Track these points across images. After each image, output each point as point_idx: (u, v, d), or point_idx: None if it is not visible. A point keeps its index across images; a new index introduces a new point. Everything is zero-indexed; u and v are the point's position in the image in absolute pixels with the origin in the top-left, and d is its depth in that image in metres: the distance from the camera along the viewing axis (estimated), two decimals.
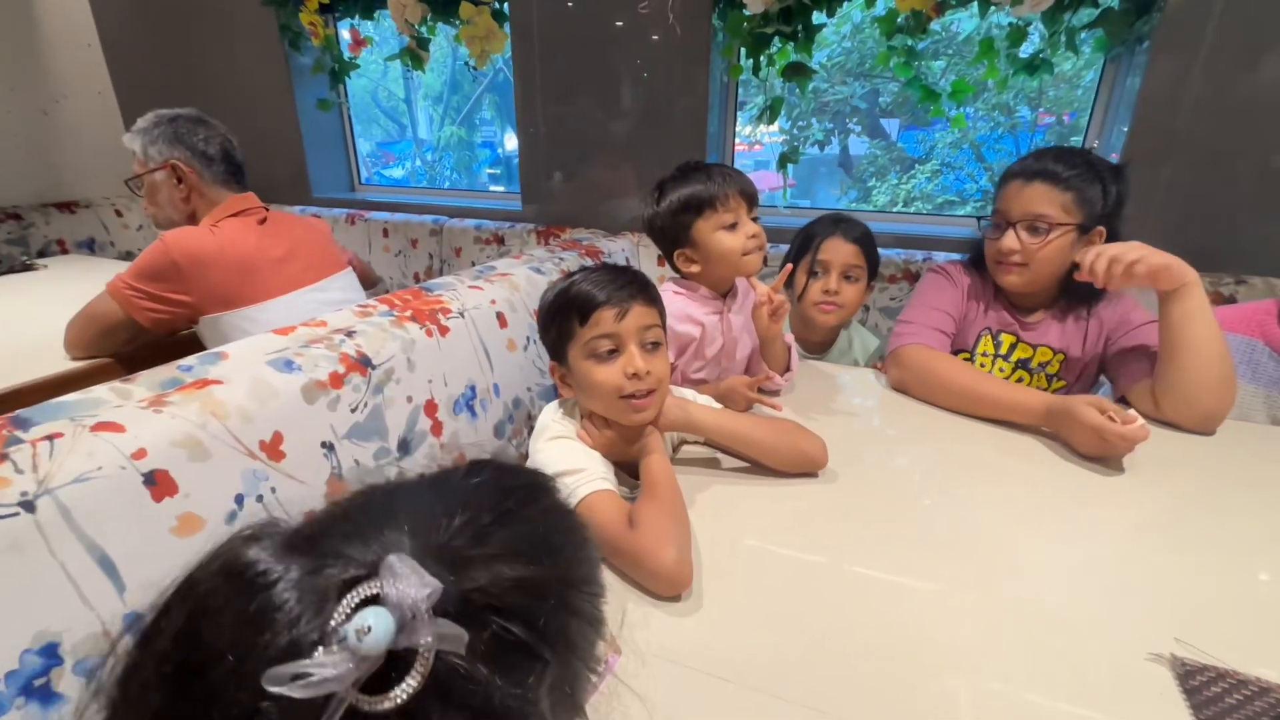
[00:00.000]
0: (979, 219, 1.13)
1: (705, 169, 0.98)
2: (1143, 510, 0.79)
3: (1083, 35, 1.51)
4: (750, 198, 0.98)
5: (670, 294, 1.01)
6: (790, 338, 1.08)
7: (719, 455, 0.89)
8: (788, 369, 1.07)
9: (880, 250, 1.68)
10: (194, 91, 2.47)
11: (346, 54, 2.23)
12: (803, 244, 1.29)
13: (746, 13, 1.60)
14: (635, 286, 0.75)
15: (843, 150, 7.64)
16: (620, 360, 0.74)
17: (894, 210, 6.22)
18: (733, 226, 0.97)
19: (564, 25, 1.87)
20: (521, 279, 1.35)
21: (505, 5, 1.92)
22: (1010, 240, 1.02)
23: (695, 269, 1.01)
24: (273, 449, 0.78)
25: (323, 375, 0.86)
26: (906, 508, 0.80)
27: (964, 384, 1.02)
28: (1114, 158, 1.55)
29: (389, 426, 0.96)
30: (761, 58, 1.68)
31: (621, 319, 0.74)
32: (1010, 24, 1.51)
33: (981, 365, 1.15)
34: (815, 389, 1.13)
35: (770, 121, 1.77)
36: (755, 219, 0.98)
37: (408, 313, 1.06)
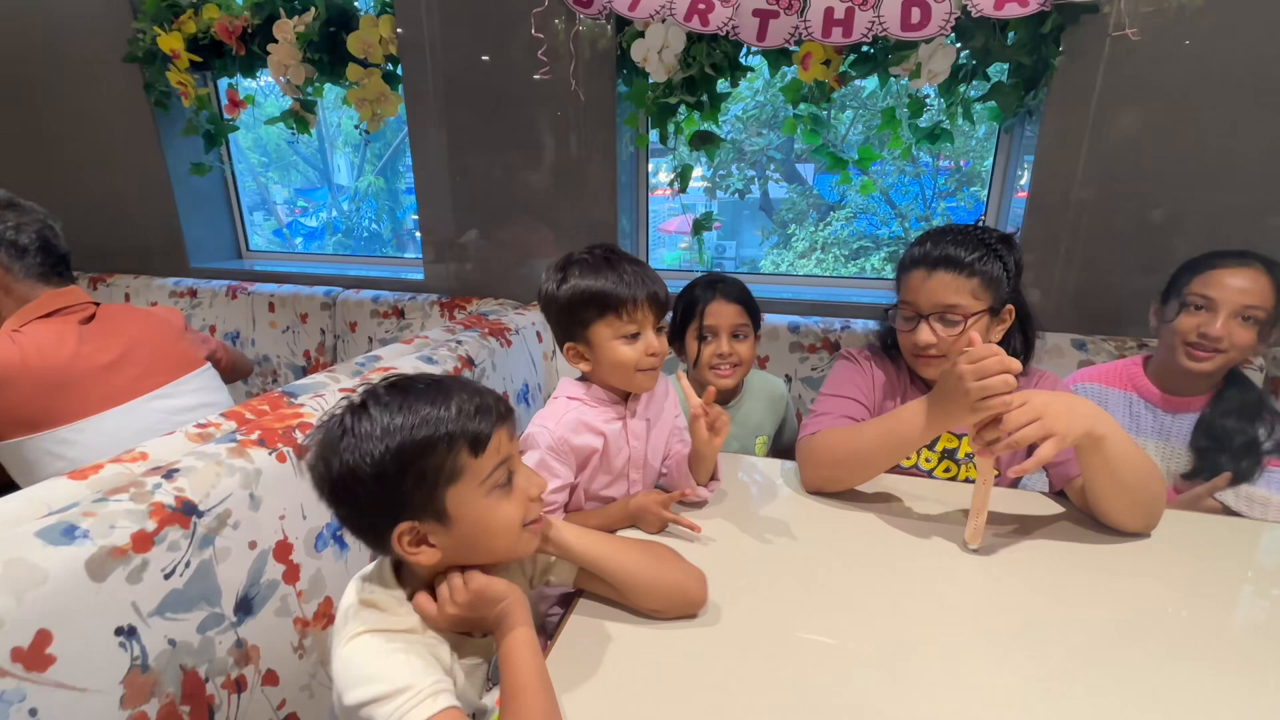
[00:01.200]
0: (887, 310, 1.08)
1: (619, 265, 0.86)
2: (1089, 635, 0.71)
3: (978, 107, 1.54)
4: (661, 307, 0.88)
5: (563, 401, 0.89)
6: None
7: (579, 601, 0.76)
8: (713, 478, 0.96)
9: (797, 319, 1.65)
10: (46, 155, 2.21)
11: (224, 115, 2.05)
12: (686, 310, 1.26)
13: (650, 81, 1.55)
14: (501, 402, 0.62)
15: (763, 195, 7.93)
16: (519, 484, 0.62)
17: (813, 256, 6.41)
18: (634, 337, 0.86)
19: (463, 88, 1.77)
20: (408, 372, 1.20)
21: (398, 67, 1.80)
22: (925, 334, 0.96)
23: (586, 367, 0.90)
24: (34, 656, 0.60)
25: (121, 539, 0.68)
26: (801, 666, 0.67)
27: (864, 439, 0.94)
28: (1015, 230, 1.57)
29: (222, 586, 0.78)
30: (669, 125, 1.63)
31: (511, 436, 0.62)
32: (910, 95, 1.53)
33: (907, 460, 1.09)
34: (724, 497, 1.01)
35: (682, 190, 1.72)
36: (661, 329, 0.89)
37: (254, 435, 0.90)
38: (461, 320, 1.63)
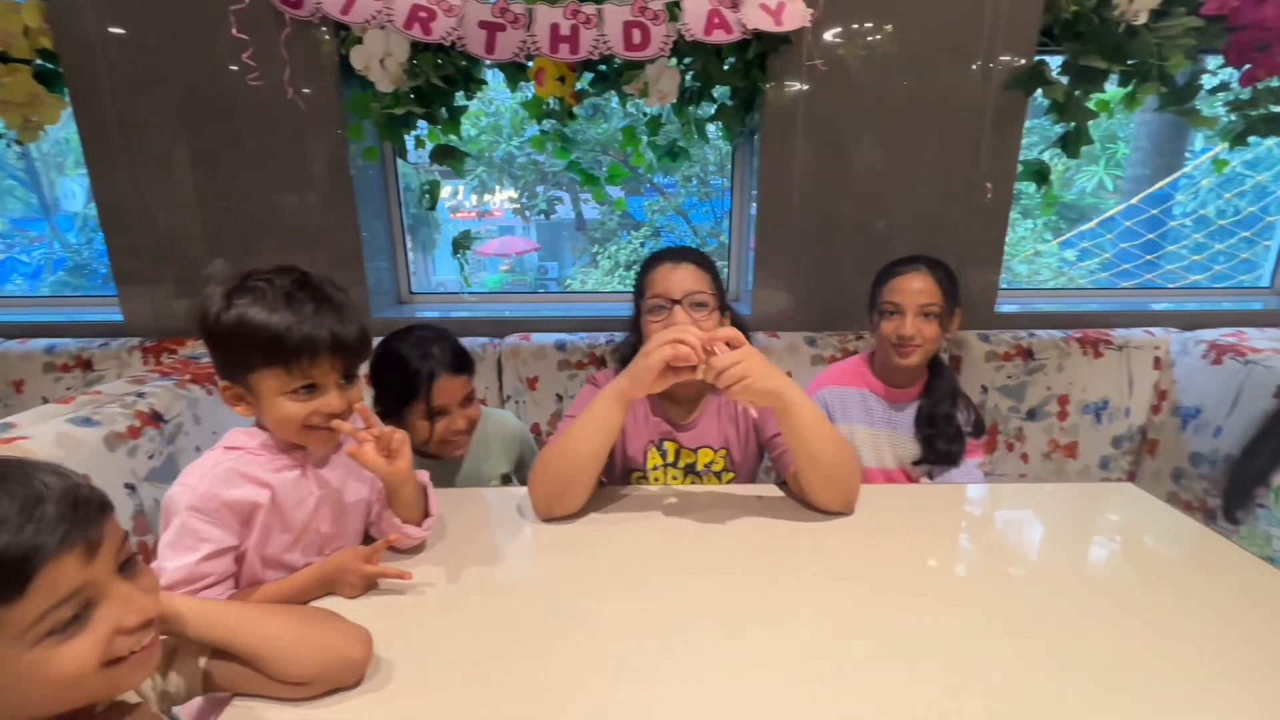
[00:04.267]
0: (637, 303, 1.09)
1: (302, 302, 0.71)
2: (814, 613, 0.73)
3: (710, 127, 1.64)
4: (353, 356, 0.75)
5: (218, 453, 0.74)
6: (424, 475, 0.88)
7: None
8: (427, 514, 0.86)
9: (564, 336, 1.62)
10: None
11: None
12: (404, 386, 1.08)
13: (378, 91, 1.43)
14: (81, 507, 0.45)
15: (577, 215, 8.06)
16: (105, 616, 0.45)
17: (617, 274, 6.60)
18: (309, 390, 0.73)
19: (153, 93, 1.50)
20: (46, 441, 0.95)
21: (58, 65, 1.48)
22: (682, 315, 1.00)
23: (245, 411, 0.75)
24: None
25: None
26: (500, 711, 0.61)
27: (567, 440, 0.94)
28: (750, 234, 1.70)
29: None
30: (405, 138, 1.52)
31: (93, 555, 0.44)
32: (644, 114, 1.59)
33: (655, 480, 1.10)
34: (443, 535, 0.91)
35: (430, 207, 1.61)
36: (353, 378, 0.76)
37: None
38: (161, 367, 1.36)
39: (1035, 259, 4.42)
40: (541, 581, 0.82)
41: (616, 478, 1.12)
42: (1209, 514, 1.41)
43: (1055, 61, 1.54)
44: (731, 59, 1.51)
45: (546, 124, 1.59)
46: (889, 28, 1.51)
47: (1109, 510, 1.00)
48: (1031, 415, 1.62)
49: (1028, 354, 1.58)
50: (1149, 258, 4.05)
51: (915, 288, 1.22)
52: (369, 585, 0.78)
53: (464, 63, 1.46)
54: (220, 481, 0.70)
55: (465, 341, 1.57)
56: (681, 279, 1.02)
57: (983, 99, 1.55)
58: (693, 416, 1.11)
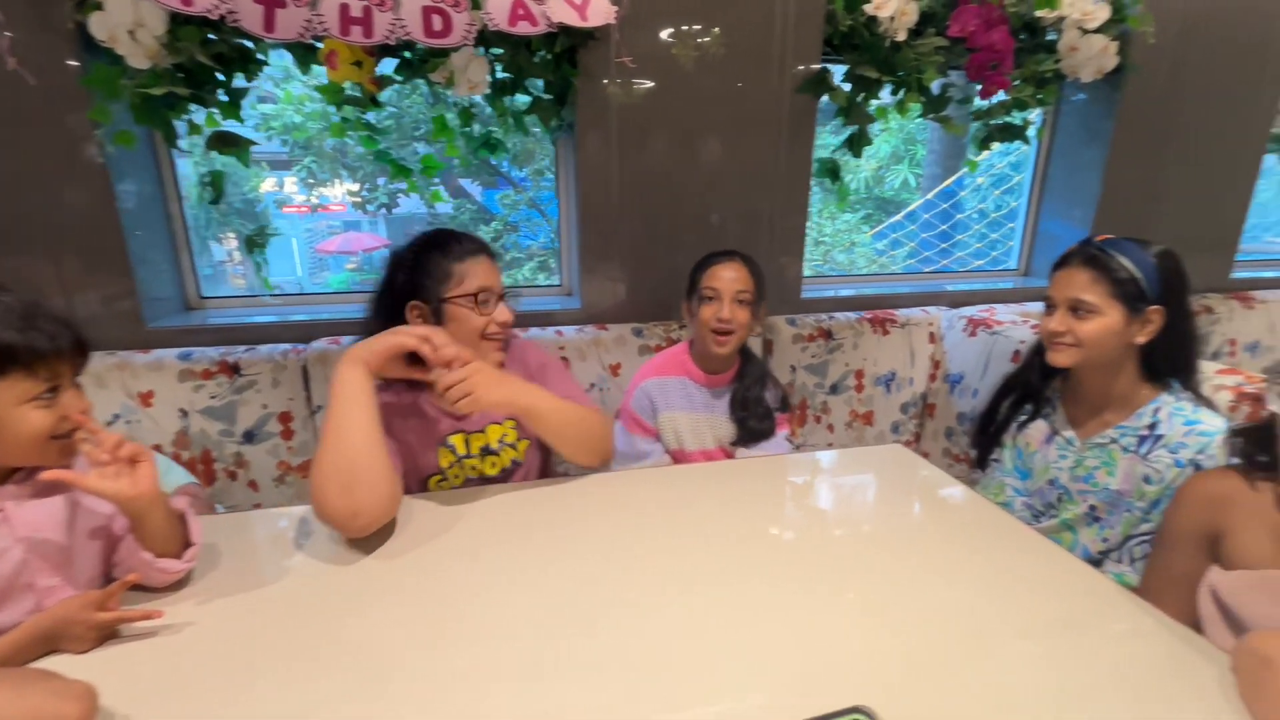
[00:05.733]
0: (476, 296, 1.03)
1: (10, 304, 0.65)
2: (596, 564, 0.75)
3: (529, 119, 1.62)
4: (85, 351, 0.70)
5: None
6: (182, 500, 0.79)
7: None
8: (188, 543, 0.77)
9: None
10: None
11: None
12: None
13: (130, 67, 1.24)
14: None
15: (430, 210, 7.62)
16: None
17: None
18: (51, 394, 0.67)
19: None
20: None
21: None
22: (506, 314, 1.05)
23: None
24: None
25: None
26: None
27: (329, 424, 0.88)
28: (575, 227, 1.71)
29: None
30: (181, 123, 1.34)
31: None
32: (455, 104, 1.53)
33: (455, 475, 1.08)
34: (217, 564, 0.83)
35: (214, 201, 1.44)
36: (78, 379, 0.70)
37: None
38: None
39: (853, 249, 4.93)
40: (319, 609, 0.76)
41: (416, 488, 1.07)
42: (973, 465, 1.65)
43: (841, 70, 1.70)
44: (542, 52, 1.50)
45: (349, 111, 1.48)
46: (695, 29, 1.58)
47: (881, 469, 1.14)
48: (834, 389, 1.79)
49: (828, 335, 1.75)
50: (943, 246, 4.65)
51: (731, 275, 1.32)
52: (105, 635, 0.68)
53: (240, 40, 1.32)
54: None
55: (266, 349, 1.45)
56: (499, 272, 1.07)
57: (781, 100, 1.68)
58: None
